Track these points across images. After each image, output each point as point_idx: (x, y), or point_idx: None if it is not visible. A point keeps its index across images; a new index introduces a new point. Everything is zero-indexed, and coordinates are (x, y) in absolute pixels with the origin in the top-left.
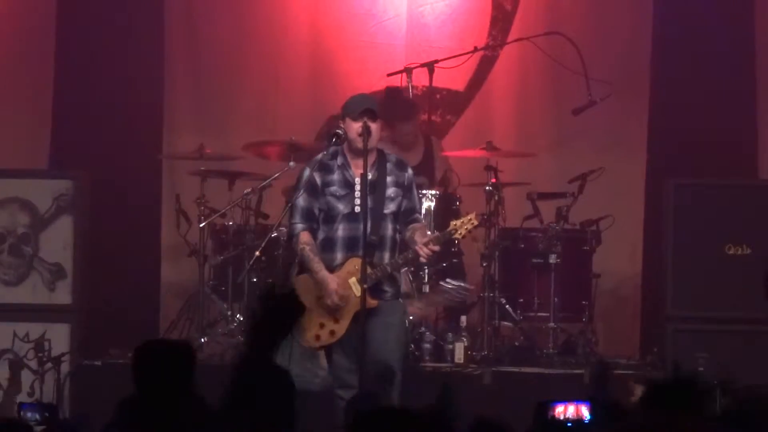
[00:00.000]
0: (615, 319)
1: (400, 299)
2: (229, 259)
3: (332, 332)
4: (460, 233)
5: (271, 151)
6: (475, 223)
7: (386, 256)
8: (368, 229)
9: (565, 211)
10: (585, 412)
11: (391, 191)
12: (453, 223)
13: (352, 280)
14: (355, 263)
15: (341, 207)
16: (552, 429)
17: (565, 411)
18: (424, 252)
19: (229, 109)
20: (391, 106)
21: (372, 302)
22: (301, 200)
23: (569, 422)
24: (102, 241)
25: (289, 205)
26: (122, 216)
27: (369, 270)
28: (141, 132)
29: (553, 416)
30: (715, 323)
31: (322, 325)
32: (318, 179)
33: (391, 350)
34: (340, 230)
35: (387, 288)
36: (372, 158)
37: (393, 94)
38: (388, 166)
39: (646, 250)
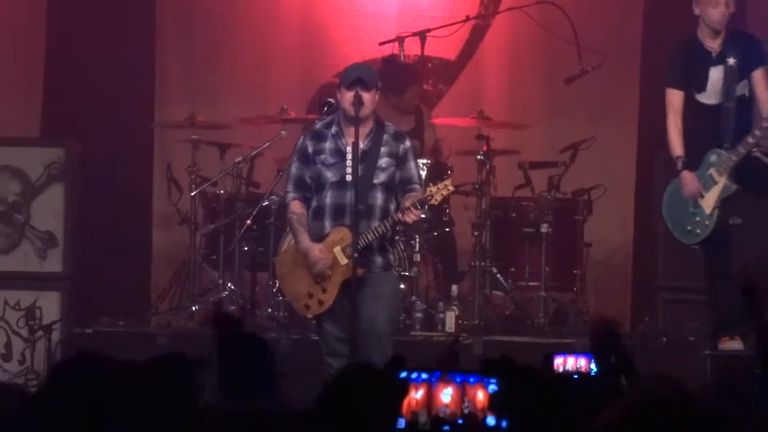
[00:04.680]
0: (606, 289)
1: (391, 270)
2: (220, 228)
3: (321, 302)
4: (436, 199)
5: (263, 122)
6: (451, 189)
7: (374, 225)
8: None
9: (556, 181)
10: (587, 364)
11: (383, 161)
12: (429, 189)
13: (337, 249)
14: (340, 232)
15: (329, 175)
16: (558, 382)
17: (565, 363)
18: (401, 218)
19: (220, 78)
20: (395, 75)
21: (358, 270)
22: (293, 168)
23: (575, 374)
24: (93, 209)
25: (281, 173)
26: (113, 184)
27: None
28: (132, 100)
29: (555, 369)
30: (706, 293)
31: (310, 295)
32: (310, 147)
33: (382, 323)
34: (328, 198)
35: (377, 258)
36: (367, 128)
37: (393, 63)
38: (385, 137)
39: (637, 219)
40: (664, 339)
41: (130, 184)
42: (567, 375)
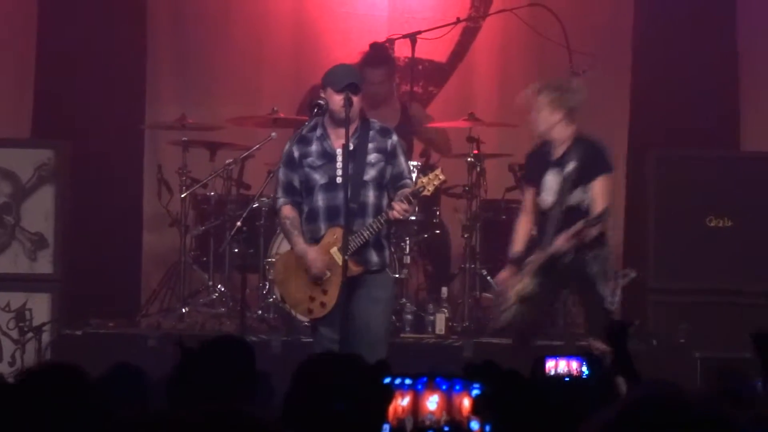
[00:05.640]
0: None
1: (387, 270)
2: (210, 230)
3: (323, 304)
4: (428, 190)
5: (254, 123)
6: (442, 178)
7: (368, 222)
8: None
9: None
10: (579, 367)
11: (372, 157)
12: (420, 180)
13: (334, 250)
14: (334, 233)
15: (317, 177)
16: (550, 384)
17: (557, 366)
18: (393, 212)
19: (211, 79)
20: (367, 57)
21: (355, 269)
22: (281, 174)
23: (566, 377)
24: (83, 211)
25: (271, 175)
26: (104, 186)
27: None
28: (123, 101)
29: (547, 372)
30: (696, 295)
31: (312, 299)
32: (296, 152)
33: (377, 326)
34: (320, 200)
35: (373, 257)
36: (353, 126)
37: (375, 47)
38: (371, 133)
39: (627, 221)
40: (655, 341)
41: (120, 185)
42: (558, 378)
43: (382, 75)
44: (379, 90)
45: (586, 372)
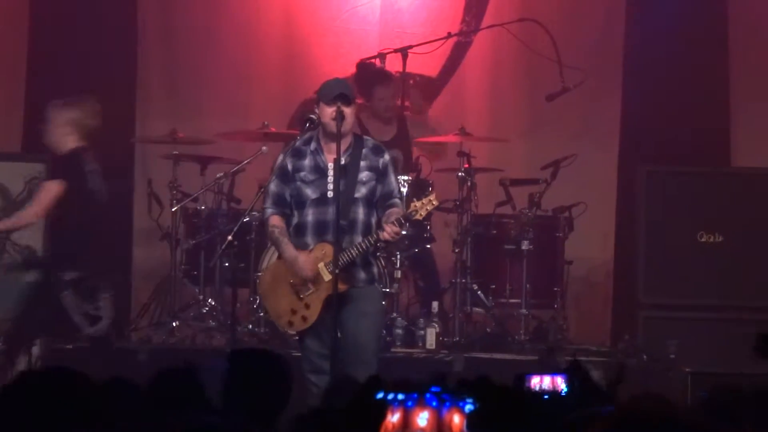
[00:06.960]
0: (587, 306)
1: (375, 284)
2: (201, 243)
3: (304, 318)
4: (421, 214)
5: (244, 138)
6: (435, 203)
7: (357, 240)
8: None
9: (537, 198)
10: (561, 384)
11: (363, 175)
12: (413, 204)
13: (321, 265)
14: (323, 248)
15: (309, 192)
16: (529, 401)
17: (541, 382)
18: (384, 234)
19: (201, 94)
20: (365, 77)
21: (341, 286)
22: (272, 186)
23: (546, 394)
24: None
25: (262, 189)
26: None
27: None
28: (113, 115)
29: (530, 388)
30: (687, 310)
31: (294, 311)
32: (290, 165)
33: (367, 339)
34: (310, 215)
35: (360, 273)
36: (347, 142)
37: (365, 66)
38: (364, 150)
39: (618, 236)
40: (645, 356)
41: (110, 199)
42: (539, 395)
43: (390, 91)
44: (389, 104)
45: (565, 389)
